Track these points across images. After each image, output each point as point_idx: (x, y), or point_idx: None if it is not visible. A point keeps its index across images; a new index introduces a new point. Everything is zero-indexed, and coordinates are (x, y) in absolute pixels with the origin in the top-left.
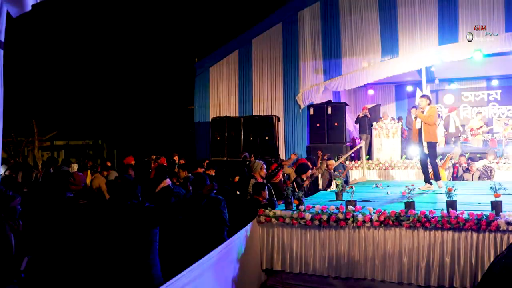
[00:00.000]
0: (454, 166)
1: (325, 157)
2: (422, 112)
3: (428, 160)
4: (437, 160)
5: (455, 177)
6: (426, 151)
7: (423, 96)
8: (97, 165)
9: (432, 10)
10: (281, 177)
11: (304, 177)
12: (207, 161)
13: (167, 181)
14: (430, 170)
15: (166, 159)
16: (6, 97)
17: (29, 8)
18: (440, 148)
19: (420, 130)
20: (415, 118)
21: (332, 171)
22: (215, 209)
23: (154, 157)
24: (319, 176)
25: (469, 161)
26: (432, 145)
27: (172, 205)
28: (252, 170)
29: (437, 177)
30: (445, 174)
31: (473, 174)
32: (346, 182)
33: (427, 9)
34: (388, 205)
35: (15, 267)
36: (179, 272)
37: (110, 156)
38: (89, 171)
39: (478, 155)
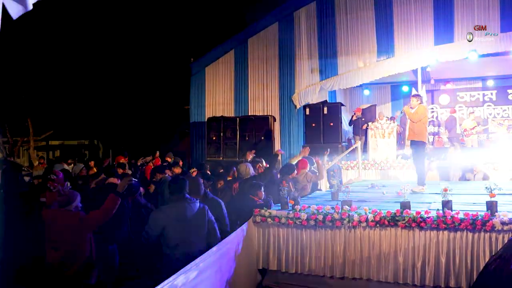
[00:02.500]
0: None
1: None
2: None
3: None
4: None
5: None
6: (412, 151)
7: (414, 95)
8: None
9: (427, 10)
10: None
11: (290, 177)
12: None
13: (112, 179)
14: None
15: (160, 160)
16: (1, 97)
17: (30, 7)
18: (434, 149)
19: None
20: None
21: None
22: None
23: (150, 158)
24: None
25: None
26: (416, 145)
27: None
28: (240, 175)
29: (420, 182)
30: (437, 174)
31: (475, 174)
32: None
33: (423, 9)
34: (384, 205)
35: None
36: None
37: (106, 156)
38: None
39: None
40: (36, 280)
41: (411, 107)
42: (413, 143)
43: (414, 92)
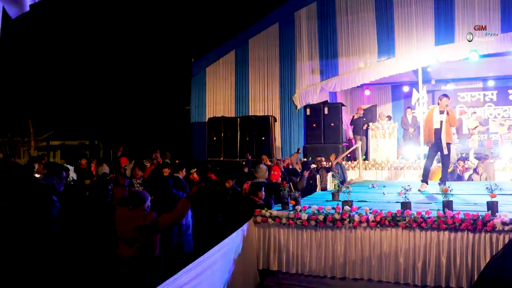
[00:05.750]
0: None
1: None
2: (446, 113)
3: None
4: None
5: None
6: (445, 152)
7: (445, 95)
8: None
9: (428, 10)
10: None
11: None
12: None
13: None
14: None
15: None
16: (2, 97)
17: (27, 8)
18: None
19: (439, 130)
20: (439, 115)
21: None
22: None
23: (148, 160)
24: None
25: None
26: (450, 147)
27: None
28: (256, 175)
29: (444, 180)
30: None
31: (481, 174)
32: (343, 182)
33: (424, 9)
34: (385, 206)
35: None
36: None
37: (106, 157)
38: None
39: (474, 155)
40: (107, 273)
41: (444, 108)
42: (449, 145)
43: (415, 92)
